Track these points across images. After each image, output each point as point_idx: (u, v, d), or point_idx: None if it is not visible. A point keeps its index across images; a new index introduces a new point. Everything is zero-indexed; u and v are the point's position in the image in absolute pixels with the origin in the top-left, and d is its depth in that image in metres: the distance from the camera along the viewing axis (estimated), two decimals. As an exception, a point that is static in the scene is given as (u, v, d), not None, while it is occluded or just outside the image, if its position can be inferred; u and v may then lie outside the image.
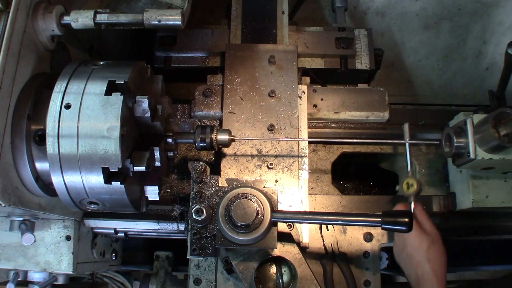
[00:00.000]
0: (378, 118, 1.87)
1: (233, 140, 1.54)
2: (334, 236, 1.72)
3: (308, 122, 1.75)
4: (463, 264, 2.36)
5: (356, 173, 2.39)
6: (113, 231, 1.92)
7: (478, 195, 1.69)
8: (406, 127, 1.70)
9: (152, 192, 1.47)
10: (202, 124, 1.83)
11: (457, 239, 2.06)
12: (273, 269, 1.60)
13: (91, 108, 1.22)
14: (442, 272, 1.49)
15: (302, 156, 1.69)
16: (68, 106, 1.22)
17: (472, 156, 1.56)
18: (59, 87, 1.26)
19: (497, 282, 1.77)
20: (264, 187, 1.50)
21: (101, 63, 1.35)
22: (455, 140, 1.60)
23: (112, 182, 1.23)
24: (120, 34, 2.26)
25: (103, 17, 1.41)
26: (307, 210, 1.66)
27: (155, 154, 1.37)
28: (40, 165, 1.36)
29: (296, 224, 1.61)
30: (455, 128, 1.64)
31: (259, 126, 1.71)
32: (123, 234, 1.95)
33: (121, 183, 1.23)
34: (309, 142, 1.80)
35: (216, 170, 1.70)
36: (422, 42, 2.57)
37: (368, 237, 1.71)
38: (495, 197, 1.69)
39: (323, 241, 1.71)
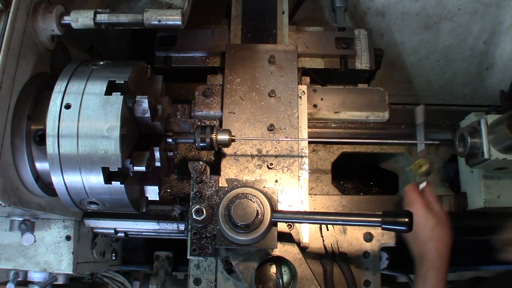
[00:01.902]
0: (378, 118, 1.87)
1: (233, 140, 1.54)
2: (334, 236, 1.72)
3: (308, 122, 1.75)
4: (463, 264, 2.36)
5: (356, 173, 2.39)
6: (113, 231, 1.92)
7: (490, 195, 1.70)
8: (420, 108, 1.70)
9: (152, 192, 1.47)
10: (202, 124, 1.83)
11: (462, 239, 2.06)
12: (273, 269, 1.60)
13: (91, 108, 1.22)
14: (446, 252, 1.51)
15: (302, 156, 1.69)
16: (68, 106, 1.22)
17: (486, 156, 1.57)
18: (59, 87, 1.26)
19: (495, 279, 1.76)
20: (264, 187, 1.50)
21: (101, 63, 1.35)
22: (469, 141, 1.61)
23: (112, 182, 1.23)
24: (120, 34, 2.26)
25: (103, 17, 1.41)
26: (307, 210, 1.66)
27: (155, 154, 1.37)
28: (40, 165, 1.36)
29: (296, 224, 1.61)
30: (468, 129, 1.65)
31: (259, 126, 1.71)
32: (123, 234, 1.95)
33: (121, 183, 1.23)
34: (309, 142, 1.80)
35: (216, 170, 1.70)
36: (422, 42, 2.57)
37: (368, 237, 1.71)
38: (507, 197, 1.70)
39: (323, 241, 1.71)
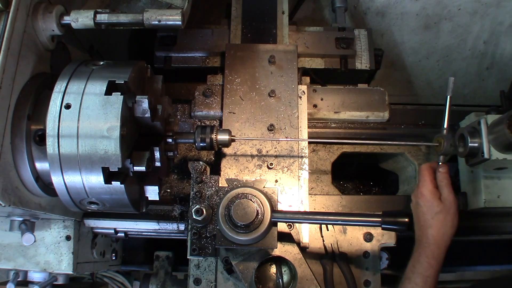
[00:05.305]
0: (378, 118, 1.87)
1: (233, 140, 1.54)
2: (334, 236, 1.72)
3: (308, 122, 1.75)
4: (463, 264, 2.36)
5: (356, 173, 2.39)
6: (113, 231, 1.92)
7: (490, 195, 1.69)
8: (450, 81, 1.65)
9: (152, 192, 1.47)
10: (202, 124, 1.83)
11: (462, 239, 2.06)
12: (273, 269, 1.60)
13: (91, 108, 1.22)
14: (443, 241, 1.49)
15: (302, 156, 1.69)
16: (68, 106, 1.22)
17: (486, 156, 1.56)
18: (59, 87, 1.26)
19: (482, 284, 1.74)
20: (264, 187, 1.50)
21: (101, 63, 1.36)
22: (469, 140, 1.61)
23: (112, 182, 1.23)
24: (120, 34, 2.26)
25: (103, 17, 1.41)
26: (307, 210, 1.66)
27: (155, 154, 1.37)
28: (40, 165, 1.36)
29: (296, 224, 1.61)
30: (468, 128, 1.65)
31: (259, 126, 1.71)
32: (123, 234, 1.95)
33: (121, 183, 1.23)
34: (309, 142, 1.80)
35: (216, 170, 1.70)
36: (422, 42, 2.57)
37: (368, 237, 1.71)
38: (507, 197, 1.69)
39: (323, 241, 1.71)
